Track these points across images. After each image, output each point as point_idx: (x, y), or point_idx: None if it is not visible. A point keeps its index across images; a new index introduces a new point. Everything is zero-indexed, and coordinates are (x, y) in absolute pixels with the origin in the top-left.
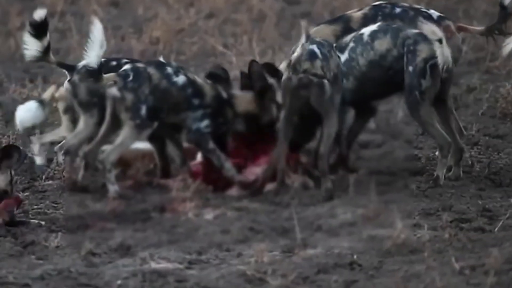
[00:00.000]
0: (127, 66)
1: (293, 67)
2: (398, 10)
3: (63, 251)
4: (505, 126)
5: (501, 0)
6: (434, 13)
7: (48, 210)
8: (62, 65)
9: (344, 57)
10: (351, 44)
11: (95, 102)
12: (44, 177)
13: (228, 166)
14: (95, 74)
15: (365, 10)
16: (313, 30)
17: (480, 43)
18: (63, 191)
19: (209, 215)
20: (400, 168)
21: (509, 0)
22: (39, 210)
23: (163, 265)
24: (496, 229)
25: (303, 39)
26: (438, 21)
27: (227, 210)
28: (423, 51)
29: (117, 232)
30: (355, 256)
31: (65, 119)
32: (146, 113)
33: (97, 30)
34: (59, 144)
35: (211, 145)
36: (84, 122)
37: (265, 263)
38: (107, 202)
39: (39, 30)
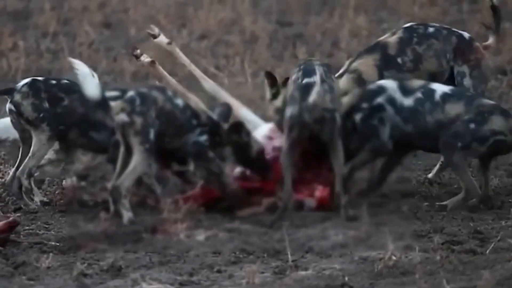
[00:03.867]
0: (132, 92)
1: (305, 101)
2: (431, 30)
3: (55, 272)
4: None
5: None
6: (465, 34)
7: (40, 230)
8: (0, 92)
9: (407, 102)
10: (419, 95)
11: (42, 117)
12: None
13: (227, 174)
14: (102, 104)
15: (399, 34)
16: (355, 63)
17: None
18: (54, 212)
19: (200, 236)
20: (391, 190)
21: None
22: (30, 231)
23: (154, 286)
24: (487, 251)
25: (318, 79)
26: (469, 42)
27: (218, 231)
28: (495, 123)
29: (108, 253)
30: (346, 278)
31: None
32: (154, 137)
33: (78, 65)
34: (20, 169)
35: (211, 154)
36: (36, 140)
37: (256, 285)
38: (99, 223)
39: None
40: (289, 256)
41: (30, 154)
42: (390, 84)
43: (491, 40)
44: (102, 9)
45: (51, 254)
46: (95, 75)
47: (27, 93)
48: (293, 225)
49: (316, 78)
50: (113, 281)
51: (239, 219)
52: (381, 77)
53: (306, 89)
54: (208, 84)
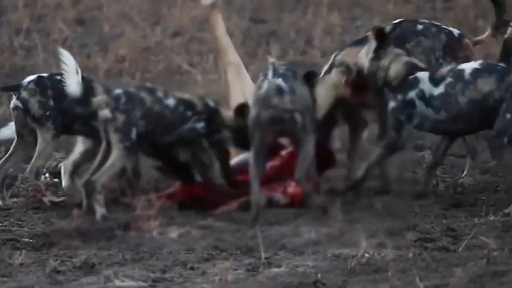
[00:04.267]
0: (119, 90)
1: (262, 102)
2: (420, 27)
3: (28, 269)
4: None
5: None
6: (455, 31)
7: (13, 227)
8: (7, 88)
9: (438, 90)
10: (449, 79)
11: (48, 115)
12: (8, 194)
13: (216, 168)
14: (82, 100)
15: (388, 29)
16: (341, 53)
17: None
18: (27, 208)
19: (173, 233)
20: (365, 187)
21: None
22: (3, 227)
23: (127, 283)
24: (460, 249)
25: (270, 74)
26: (458, 39)
27: (191, 228)
28: None
29: (81, 250)
30: (319, 275)
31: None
32: (135, 136)
33: (67, 58)
34: (28, 169)
35: (204, 143)
36: (42, 138)
37: (229, 282)
38: (72, 219)
39: None
40: (262, 253)
41: (36, 154)
42: (423, 75)
43: (485, 34)
44: (75, 6)
45: (24, 250)
46: (79, 71)
47: (34, 90)
48: (266, 222)
49: (269, 75)
50: (86, 278)
51: (212, 216)
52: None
53: (260, 88)
54: (236, 59)
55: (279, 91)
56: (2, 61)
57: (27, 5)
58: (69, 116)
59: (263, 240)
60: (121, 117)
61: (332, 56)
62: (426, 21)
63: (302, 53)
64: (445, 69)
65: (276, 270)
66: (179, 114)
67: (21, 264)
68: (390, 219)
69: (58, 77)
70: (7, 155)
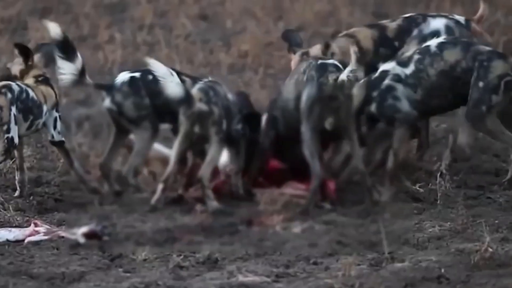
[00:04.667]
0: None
1: (317, 78)
2: (430, 19)
3: (151, 264)
4: None
5: None
6: (461, 19)
7: (136, 223)
8: (100, 86)
9: (409, 70)
10: (416, 56)
11: (144, 115)
12: (132, 190)
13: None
14: (187, 100)
15: (399, 21)
16: (352, 30)
17: None
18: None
19: (297, 228)
20: (488, 182)
21: None
22: (126, 223)
23: (250, 278)
24: None
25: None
26: (467, 26)
27: (315, 223)
28: (497, 68)
29: (204, 245)
30: (442, 270)
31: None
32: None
33: (156, 66)
34: (125, 168)
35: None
36: (139, 138)
37: (352, 277)
38: (195, 215)
39: (67, 50)
40: (385, 248)
41: (133, 153)
42: (389, 65)
43: (481, 10)
44: (198, 1)
45: (147, 246)
46: (174, 73)
47: (127, 92)
48: (389, 217)
49: (331, 61)
50: (209, 273)
51: (335, 211)
52: (377, 52)
53: (323, 68)
54: None
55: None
56: (125, 57)
57: (150, 0)
58: (164, 112)
59: (386, 235)
60: (216, 110)
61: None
62: (434, 13)
63: None
64: (407, 52)
65: (399, 265)
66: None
67: (145, 260)
68: None
69: (150, 76)
70: (108, 149)
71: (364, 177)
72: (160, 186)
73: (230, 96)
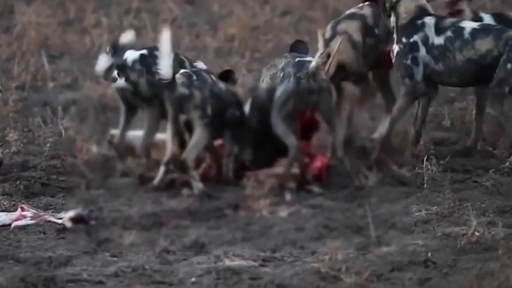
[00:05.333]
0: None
1: (294, 74)
2: None
3: (138, 249)
4: None
5: None
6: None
7: (123, 207)
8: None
9: (438, 40)
10: (449, 33)
11: (155, 94)
12: (118, 174)
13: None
14: (170, 84)
15: (369, 8)
16: (342, 25)
17: None
18: (137, 188)
19: (283, 212)
20: (475, 166)
21: None
22: (113, 207)
23: (237, 262)
24: None
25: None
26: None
27: (301, 207)
28: None
29: (191, 229)
30: (429, 254)
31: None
32: (211, 113)
33: (165, 39)
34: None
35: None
36: (150, 115)
37: (339, 261)
38: (181, 199)
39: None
40: (372, 232)
41: (145, 131)
42: (429, 20)
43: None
44: None
45: (134, 230)
46: (172, 55)
47: (141, 71)
48: (376, 201)
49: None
50: (196, 257)
51: (322, 195)
52: (365, 43)
53: (300, 64)
54: None
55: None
56: (111, 41)
57: None
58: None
59: (373, 219)
60: (197, 94)
61: (329, 27)
62: None
63: None
64: (447, 20)
65: (386, 249)
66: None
67: (131, 244)
68: (501, 197)
69: (157, 51)
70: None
71: (346, 163)
72: (162, 169)
73: (221, 85)
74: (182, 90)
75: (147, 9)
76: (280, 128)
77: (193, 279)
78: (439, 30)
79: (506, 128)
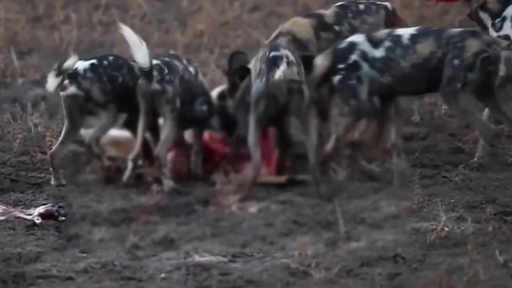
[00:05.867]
0: (157, 61)
1: (267, 73)
2: (362, 7)
3: (107, 244)
4: None
5: None
6: (388, 5)
7: (92, 203)
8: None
9: (379, 53)
10: (388, 43)
11: (109, 100)
12: (87, 170)
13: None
14: (148, 74)
15: (335, 8)
16: (287, 25)
17: None
18: (106, 184)
19: (253, 208)
20: (444, 161)
21: None
22: (83, 203)
23: (206, 258)
24: None
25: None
26: (393, 12)
27: (271, 203)
28: (472, 46)
29: (161, 225)
30: (398, 249)
31: None
32: (180, 105)
33: (127, 33)
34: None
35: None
36: (105, 118)
37: (308, 256)
38: (151, 195)
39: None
40: (342, 227)
41: (97, 127)
42: (359, 38)
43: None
44: None
45: (103, 226)
46: (143, 42)
47: (93, 79)
48: (345, 197)
49: (284, 52)
50: (165, 253)
51: (291, 190)
52: (318, 36)
53: (273, 63)
54: None
55: (289, 64)
56: (81, 37)
57: None
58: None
59: (342, 214)
60: (169, 89)
61: (279, 27)
62: (364, 0)
63: None
64: (381, 32)
65: (355, 244)
66: (197, 83)
67: (101, 240)
68: (470, 193)
69: (107, 59)
70: (61, 139)
71: (314, 171)
72: (129, 165)
73: (192, 70)
74: (154, 85)
75: (116, 5)
76: (251, 134)
77: (162, 275)
78: (375, 44)
79: (468, 123)
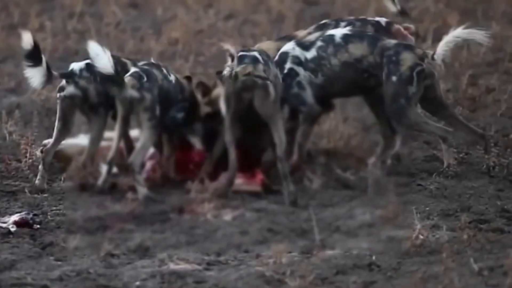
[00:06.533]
0: (135, 68)
1: (235, 72)
2: (343, 24)
3: (82, 252)
4: None
5: None
6: (382, 20)
7: (67, 211)
8: (64, 75)
9: (310, 54)
10: (319, 43)
11: (102, 102)
12: (62, 178)
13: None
14: (117, 79)
15: (310, 29)
16: (257, 45)
17: (499, 44)
18: (81, 192)
19: (227, 216)
20: (418, 169)
21: None
22: (58, 211)
23: (181, 266)
24: None
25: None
26: (386, 27)
27: (246, 211)
28: (407, 59)
29: (135, 233)
30: (373, 257)
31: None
32: (159, 113)
33: (90, 45)
34: (84, 157)
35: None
36: (96, 124)
37: (283, 264)
38: (126, 203)
39: (35, 57)
40: (316, 235)
41: (90, 141)
42: (289, 46)
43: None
44: None
45: (78, 234)
46: (107, 51)
47: (90, 78)
48: (320, 205)
49: (252, 53)
50: (140, 261)
51: (266, 198)
52: None
53: (239, 60)
54: None
55: (254, 60)
56: (55, 45)
57: None
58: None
59: (317, 223)
60: (148, 96)
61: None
62: (351, 17)
63: None
64: (312, 36)
65: (330, 252)
66: (176, 92)
67: (76, 248)
68: (445, 201)
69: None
70: (53, 141)
71: (283, 164)
72: (104, 169)
73: (172, 78)
74: (132, 93)
75: (91, 13)
76: (226, 132)
77: (137, 283)
78: (305, 47)
79: (425, 133)
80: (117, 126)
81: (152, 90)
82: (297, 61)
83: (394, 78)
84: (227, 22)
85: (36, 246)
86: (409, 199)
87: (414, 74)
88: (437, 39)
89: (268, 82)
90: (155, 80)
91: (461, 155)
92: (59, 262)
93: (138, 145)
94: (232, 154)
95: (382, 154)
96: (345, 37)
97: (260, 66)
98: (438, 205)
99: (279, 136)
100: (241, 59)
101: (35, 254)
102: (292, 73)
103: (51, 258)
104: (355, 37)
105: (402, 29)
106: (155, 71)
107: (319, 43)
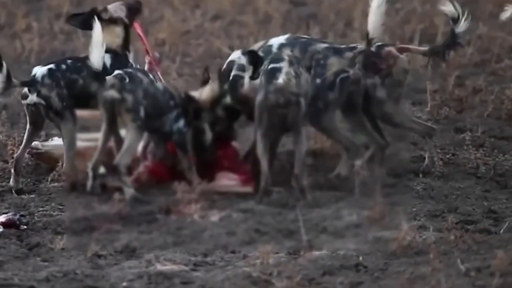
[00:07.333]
0: (120, 71)
1: (267, 85)
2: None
3: (69, 253)
4: (511, 128)
5: (453, 26)
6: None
7: (54, 212)
8: (25, 83)
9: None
10: (260, 53)
11: (66, 105)
12: (49, 179)
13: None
14: (100, 76)
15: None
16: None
17: (486, 45)
18: (68, 193)
19: (214, 217)
20: (405, 170)
21: (461, 29)
22: (44, 212)
23: (168, 267)
24: (501, 231)
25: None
26: (377, 50)
27: (232, 211)
28: (333, 65)
29: (122, 234)
30: (360, 258)
31: None
32: (144, 115)
33: (96, 31)
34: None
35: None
36: (64, 130)
37: (270, 265)
38: (113, 204)
39: None
40: (303, 236)
41: (65, 147)
42: (235, 55)
43: (421, 48)
44: None
45: (65, 235)
46: (105, 45)
47: (51, 85)
48: (307, 205)
49: (283, 64)
50: (127, 262)
51: (253, 199)
52: None
53: (272, 74)
54: None
55: (289, 75)
56: (42, 45)
57: None
58: (85, 95)
59: (304, 223)
60: (129, 97)
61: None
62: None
63: (342, 36)
64: (255, 45)
65: (317, 253)
66: (166, 99)
67: (62, 249)
68: (431, 202)
69: (65, 64)
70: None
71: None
72: (90, 173)
73: (161, 87)
74: (113, 93)
75: None
76: (258, 147)
77: (124, 284)
78: None
79: (333, 141)
80: (103, 128)
81: (135, 92)
82: (242, 67)
83: (317, 81)
84: (214, 22)
85: (23, 247)
86: (396, 200)
87: (338, 80)
88: (424, 40)
89: (301, 98)
90: (139, 82)
91: (447, 156)
92: (46, 263)
93: (123, 146)
94: (265, 166)
95: (370, 156)
96: (280, 46)
97: (293, 81)
98: (425, 206)
99: (300, 151)
100: (272, 72)
101: (22, 255)
102: (237, 79)
103: (38, 259)
104: (289, 45)
105: (394, 50)
106: (140, 75)
107: (260, 53)
